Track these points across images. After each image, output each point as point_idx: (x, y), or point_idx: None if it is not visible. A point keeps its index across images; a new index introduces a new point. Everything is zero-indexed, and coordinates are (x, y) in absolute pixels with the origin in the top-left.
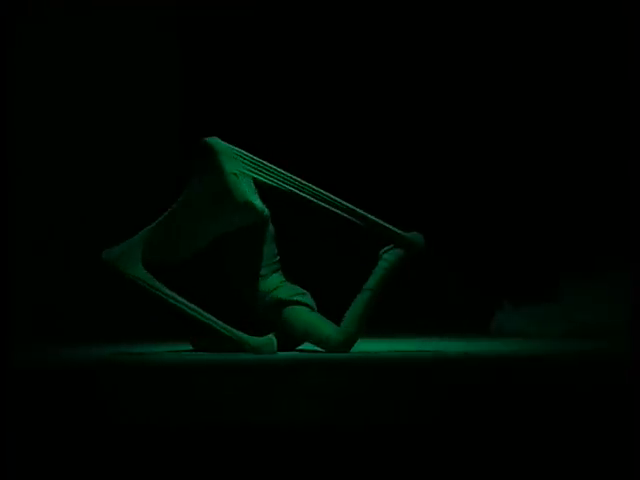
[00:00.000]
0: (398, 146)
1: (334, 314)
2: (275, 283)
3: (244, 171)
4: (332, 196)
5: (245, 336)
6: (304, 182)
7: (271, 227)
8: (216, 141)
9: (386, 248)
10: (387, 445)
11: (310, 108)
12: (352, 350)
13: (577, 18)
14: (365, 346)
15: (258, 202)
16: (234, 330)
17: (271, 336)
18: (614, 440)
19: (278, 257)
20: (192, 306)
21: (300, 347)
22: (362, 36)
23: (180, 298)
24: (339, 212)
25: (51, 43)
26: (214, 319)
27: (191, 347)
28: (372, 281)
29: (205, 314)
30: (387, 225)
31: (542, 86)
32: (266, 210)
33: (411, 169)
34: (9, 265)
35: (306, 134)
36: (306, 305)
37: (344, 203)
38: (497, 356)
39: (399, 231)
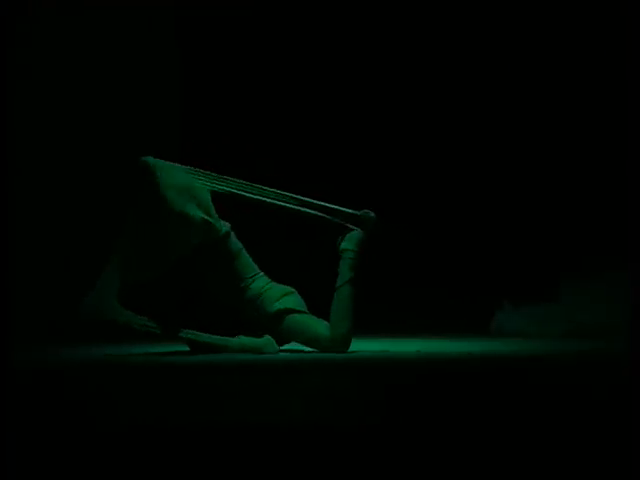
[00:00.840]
0: (398, 145)
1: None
2: (262, 287)
3: (197, 184)
4: (283, 192)
5: (244, 340)
6: (255, 185)
7: (234, 240)
8: (150, 159)
9: (341, 237)
10: (384, 445)
11: (305, 106)
12: (350, 350)
13: (577, 18)
14: (364, 346)
15: (213, 219)
16: (232, 340)
17: (268, 336)
18: (614, 440)
19: (255, 266)
20: (186, 331)
21: (298, 348)
22: (334, 35)
23: (171, 327)
24: (295, 207)
25: (51, 43)
26: (210, 336)
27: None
28: (345, 273)
29: (201, 335)
30: (340, 208)
31: (542, 88)
32: (224, 227)
33: (411, 169)
34: (9, 265)
35: (307, 134)
36: (300, 312)
37: (297, 197)
38: (497, 356)
39: (351, 211)
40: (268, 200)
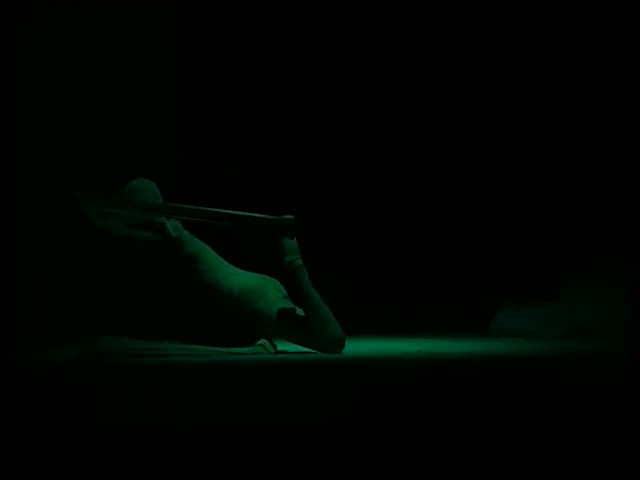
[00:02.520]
0: (400, 145)
1: None
2: (238, 281)
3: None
4: (206, 208)
5: (241, 350)
6: (175, 205)
7: (189, 239)
8: (72, 194)
9: (282, 253)
10: (385, 445)
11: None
12: (350, 350)
13: (577, 18)
14: (364, 346)
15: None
16: (228, 349)
17: (263, 341)
18: (614, 440)
19: (222, 261)
20: (183, 347)
21: (296, 349)
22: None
23: (169, 347)
24: (219, 222)
25: (51, 43)
26: (205, 348)
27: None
28: (304, 278)
29: (197, 348)
30: (263, 216)
31: (542, 87)
32: (176, 229)
33: (413, 168)
34: (9, 265)
35: (305, 135)
36: (294, 310)
37: (218, 210)
38: (498, 356)
39: (273, 217)
40: (193, 219)
